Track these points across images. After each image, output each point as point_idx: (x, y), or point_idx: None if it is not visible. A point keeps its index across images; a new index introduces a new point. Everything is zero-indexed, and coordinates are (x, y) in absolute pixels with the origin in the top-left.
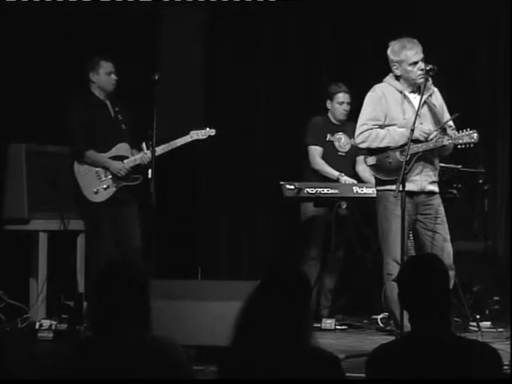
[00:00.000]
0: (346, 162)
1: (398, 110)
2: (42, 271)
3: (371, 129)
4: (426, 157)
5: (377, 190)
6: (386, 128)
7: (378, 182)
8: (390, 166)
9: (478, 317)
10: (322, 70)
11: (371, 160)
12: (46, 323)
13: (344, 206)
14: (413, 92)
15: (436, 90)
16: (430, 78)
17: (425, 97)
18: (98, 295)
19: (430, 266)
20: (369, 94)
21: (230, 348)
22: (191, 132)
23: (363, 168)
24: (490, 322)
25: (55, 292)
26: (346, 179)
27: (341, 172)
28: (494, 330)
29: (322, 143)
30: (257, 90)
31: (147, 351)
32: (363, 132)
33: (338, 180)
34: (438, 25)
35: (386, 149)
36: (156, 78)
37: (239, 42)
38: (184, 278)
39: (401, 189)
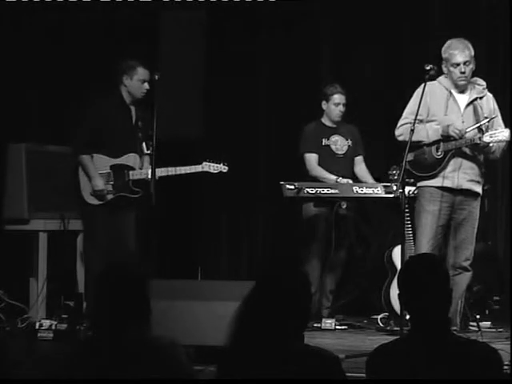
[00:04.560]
0: (345, 164)
1: (441, 106)
2: (42, 271)
3: (411, 123)
4: (465, 155)
5: (417, 187)
6: (426, 123)
7: (417, 179)
8: (426, 161)
9: (478, 317)
10: (323, 71)
11: (409, 156)
12: (46, 323)
13: (344, 206)
14: (462, 92)
15: (490, 95)
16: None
17: (472, 98)
18: (99, 295)
19: (430, 266)
20: (417, 90)
21: (230, 348)
22: (204, 163)
23: (360, 168)
24: (489, 322)
25: (55, 292)
26: (344, 182)
27: (338, 173)
28: (494, 329)
29: (317, 149)
30: (257, 90)
31: (147, 351)
32: (403, 125)
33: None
34: (438, 24)
35: (423, 145)
36: (156, 78)
37: (239, 43)
38: (184, 277)
39: (401, 190)
